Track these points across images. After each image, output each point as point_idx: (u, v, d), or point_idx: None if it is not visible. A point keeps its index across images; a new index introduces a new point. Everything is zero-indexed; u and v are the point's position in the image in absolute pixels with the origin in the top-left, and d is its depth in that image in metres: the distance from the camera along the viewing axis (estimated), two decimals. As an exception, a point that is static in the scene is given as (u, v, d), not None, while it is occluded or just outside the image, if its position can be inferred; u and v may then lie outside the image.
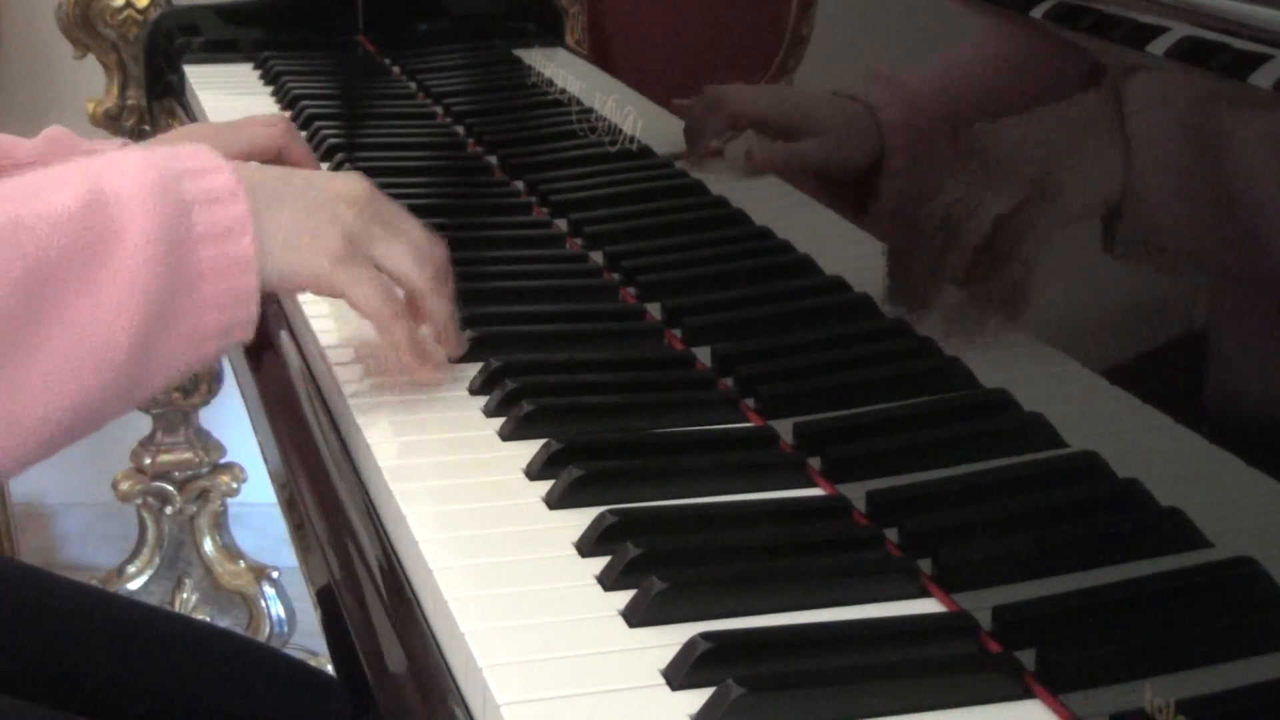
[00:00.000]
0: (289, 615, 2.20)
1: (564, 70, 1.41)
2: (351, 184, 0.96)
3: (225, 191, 0.87)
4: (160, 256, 0.83)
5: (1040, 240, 0.81)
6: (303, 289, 0.94)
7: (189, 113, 1.75)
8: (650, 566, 0.77)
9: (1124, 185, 0.75)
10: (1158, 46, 0.74)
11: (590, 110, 1.32)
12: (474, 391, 0.99)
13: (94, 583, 2.07)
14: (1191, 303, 0.71)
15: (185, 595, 2.20)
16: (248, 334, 0.89)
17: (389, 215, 0.97)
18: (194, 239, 0.85)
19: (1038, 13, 0.83)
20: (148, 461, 2.17)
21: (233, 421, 2.03)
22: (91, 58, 2.09)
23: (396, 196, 1.33)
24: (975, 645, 0.74)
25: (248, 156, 1.32)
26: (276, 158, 1.34)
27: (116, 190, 0.84)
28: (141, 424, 2.18)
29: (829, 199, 1.00)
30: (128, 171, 0.85)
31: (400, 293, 0.96)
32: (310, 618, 2.12)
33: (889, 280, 0.93)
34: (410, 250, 0.95)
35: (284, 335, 1.12)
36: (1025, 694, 0.70)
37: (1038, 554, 0.76)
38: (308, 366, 1.08)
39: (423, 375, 0.97)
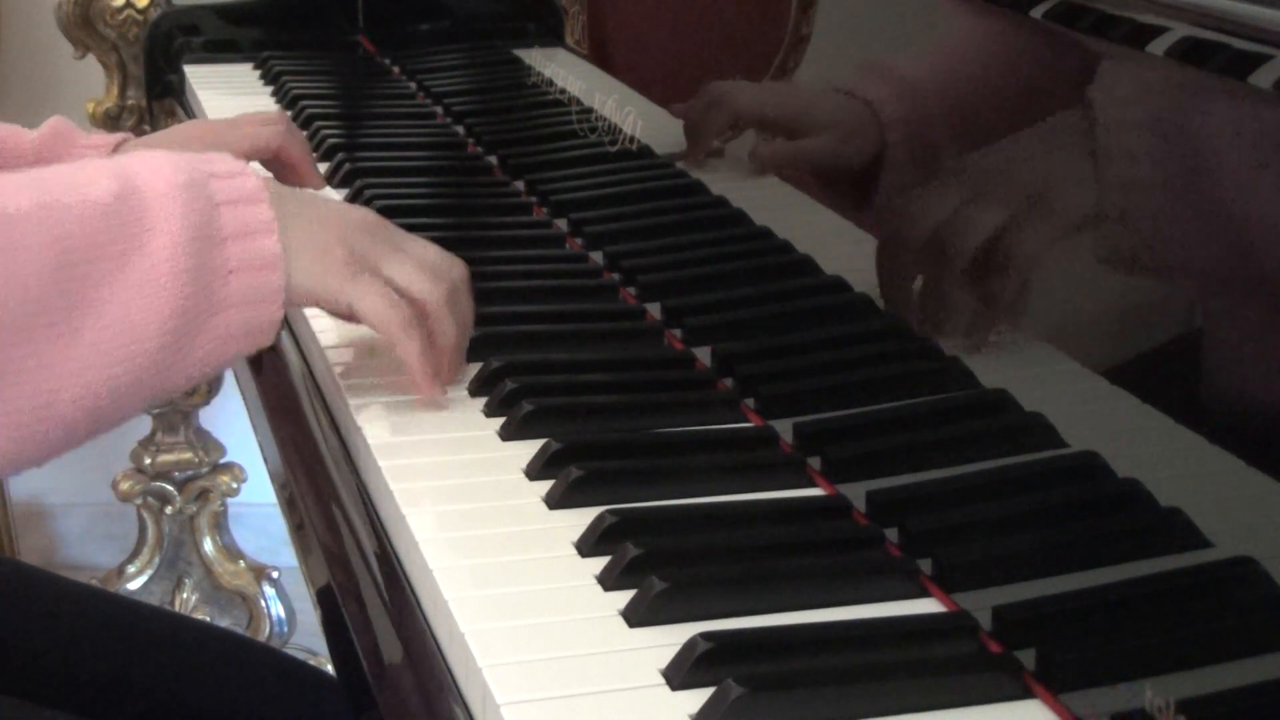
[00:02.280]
0: (289, 615, 2.20)
1: (564, 70, 1.41)
2: (361, 210, 0.98)
3: (252, 194, 0.88)
4: (190, 251, 0.84)
5: (1040, 240, 0.81)
6: (314, 302, 0.94)
7: (189, 113, 1.75)
8: (650, 566, 0.77)
9: (1123, 186, 0.75)
10: (1158, 46, 0.74)
11: (590, 110, 1.33)
12: (474, 391, 0.99)
13: (94, 583, 2.07)
14: (1191, 303, 0.72)
15: (185, 595, 2.20)
16: (271, 335, 0.89)
17: (400, 239, 0.97)
18: (222, 236, 0.86)
19: (1038, 12, 0.83)
20: (148, 461, 2.17)
21: (233, 421, 2.03)
22: (91, 58, 2.09)
23: (396, 196, 1.34)
24: (975, 645, 0.74)
25: (246, 155, 1.32)
26: (275, 155, 1.34)
27: (150, 185, 0.85)
28: (141, 424, 2.18)
29: (831, 196, 1.00)
30: (159, 169, 0.86)
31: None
32: (310, 618, 2.12)
33: (889, 279, 0.93)
34: (421, 267, 0.95)
35: (284, 336, 1.12)
36: (1025, 694, 0.70)
37: (1038, 554, 0.76)
38: (308, 366, 1.08)
39: (428, 393, 0.96)
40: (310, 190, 0.97)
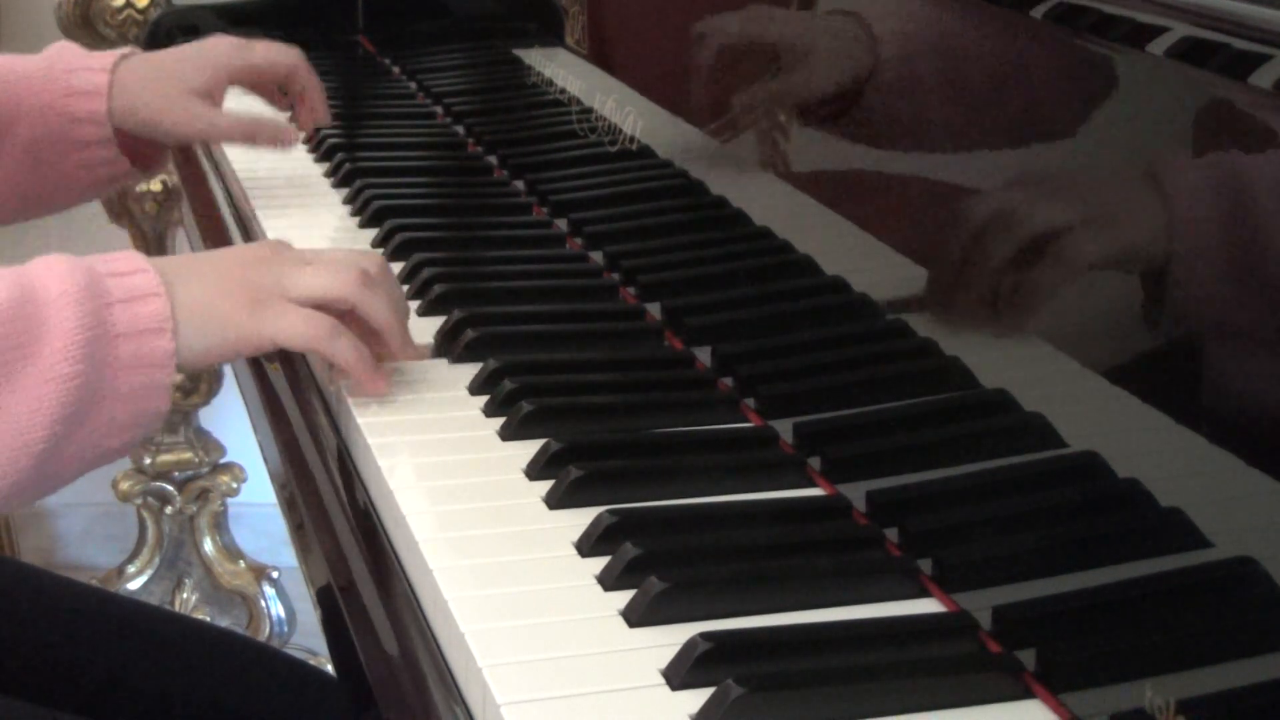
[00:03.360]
0: (289, 615, 2.20)
1: (564, 70, 1.41)
2: (257, 245, 0.98)
3: (147, 290, 0.89)
4: (81, 353, 0.85)
5: (1040, 241, 0.81)
6: (237, 354, 0.95)
7: (189, 113, 1.74)
8: (650, 566, 0.77)
9: (1124, 188, 0.75)
10: (1158, 46, 0.74)
11: (590, 110, 1.32)
12: (474, 391, 0.99)
13: (94, 583, 2.07)
14: (1191, 303, 0.71)
15: (185, 595, 2.20)
16: (154, 427, 0.90)
17: (300, 257, 0.97)
18: (115, 334, 0.87)
19: (1037, 12, 0.83)
20: (148, 461, 2.17)
21: (233, 421, 2.03)
22: (91, 58, 2.09)
23: (396, 196, 1.34)
24: (975, 645, 0.74)
25: (264, 68, 1.31)
26: (285, 78, 1.33)
27: (46, 288, 0.86)
28: (141, 424, 2.18)
29: (839, 205, 1.00)
30: (57, 272, 0.87)
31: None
32: (310, 618, 2.12)
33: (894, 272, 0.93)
34: (323, 270, 0.95)
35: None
36: (1025, 694, 0.71)
37: (1038, 554, 0.76)
38: (308, 366, 1.08)
39: (373, 390, 0.96)
40: (205, 252, 0.98)
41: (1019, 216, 0.82)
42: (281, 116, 1.38)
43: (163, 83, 1.26)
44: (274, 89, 1.39)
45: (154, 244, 2.16)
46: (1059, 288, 0.79)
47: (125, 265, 0.90)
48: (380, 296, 0.96)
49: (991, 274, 0.83)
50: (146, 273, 0.89)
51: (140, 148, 1.29)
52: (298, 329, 0.93)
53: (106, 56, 1.25)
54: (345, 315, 0.95)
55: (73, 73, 1.23)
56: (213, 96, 1.30)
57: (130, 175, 1.26)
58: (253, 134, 1.31)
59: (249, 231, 1.33)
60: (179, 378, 2.09)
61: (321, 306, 0.94)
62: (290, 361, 1.10)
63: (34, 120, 1.22)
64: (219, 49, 1.31)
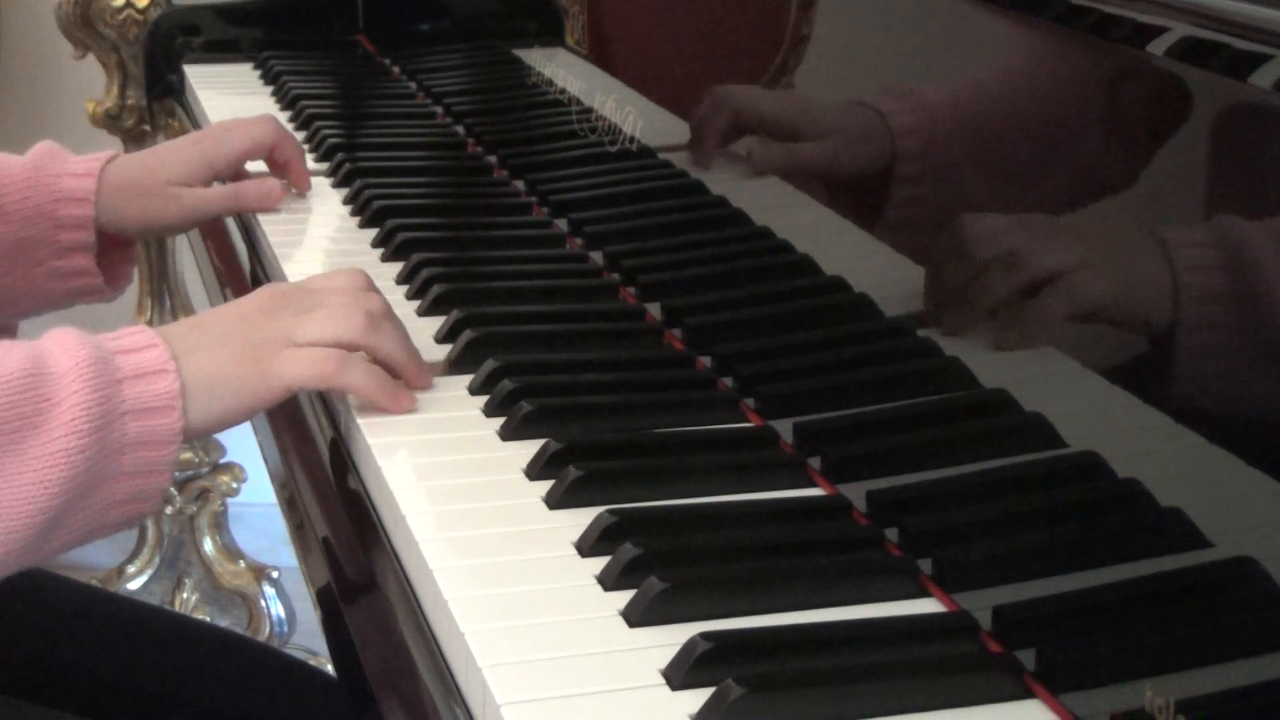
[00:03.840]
0: (289, 615, 2.20)
1: (564, 70, 1.41)
2: (255, 296, 0.98)
3: (156, 366, 0.89)
4: (89, 427, 0.85)
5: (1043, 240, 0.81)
6: (254, 413, 0.95)
7: (189, 113, 1.75)
8: (650, 566, 0.77)
9: (1126, 188, 0.75)
10: (1158, 46, 0.74)
11: (590, 110, 1.32)
12: (474, 391, 0.99)
13: (94, 583, 2.07)
14: (1191, 303, 0.71)
15: (185, 595, 2.20)
16: (153, 506, 0.90)
17: (305, 303, 0.96)
18: (122, 412, 0.87)
19: (1036, 12, 0.83)
20: (148, 461, 2.16)
21: (233, 421, 2.03)
22: (91, 58, 2.09)
23: (396, 196, 1.34)
24: (975, 645, 0.74)
25: (245, 154, 1.32)
26: (269, 156, 1.34)
27: (56, 361, 0.86)
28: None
29: (839, 205, 1.00)
30: (67, 346, 0.88)
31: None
32: (310, 618, 2.12)
33: (898, 285, 0.93)
34: (328, 317, 0.95)
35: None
36: (1025, 694, 0.71)
37: (1038, 554, 0.76)
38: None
39: (398, 408, 0.96)
40: (208, 312, 0.98)
41: (1021, 254, 0.82)
42: (265, 173, 1.37)
43: (145, 180, 1.27)
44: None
45: (154, 245, 2.16)
46: (1057, 320, 0.79)
47: (134, 342, 0.90)
48: (387, 335, 0.96)
49: (989, 303, 0.83)
50: (156, 348, 0.90)
51: (114, 253, 1.29)
52: (307, 371, 0.93)
53: (93, 161, 1.25)
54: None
55: (60, 178, 1.23)
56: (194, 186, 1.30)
57: (97, 292, 1.26)
58: (239, 200, 1.31)
59: (249, 231, 1.33)
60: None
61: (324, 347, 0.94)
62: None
63: (18, 222, 1.22)
64: (199, 144, 1.31)
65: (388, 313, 0.98)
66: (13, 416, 0.84)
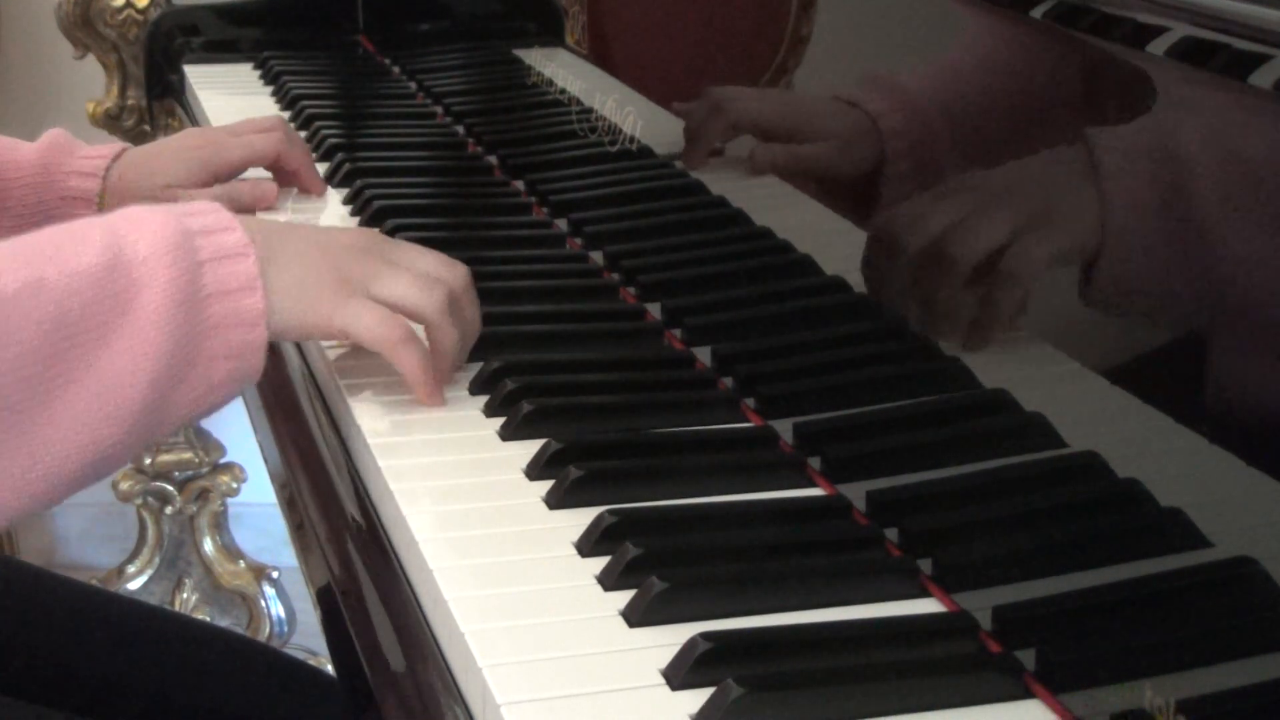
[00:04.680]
0: (289, 615, 2.20)
1: (564, 70, 1.41)
2: (353, 233, 0.99)
3: (236, 249, 0.89)
4: (175, 313, 0.85)
5: (1042, 254, 0.81)
6: (306, 335, 0.96)
7: (189, 113, 1.75)
8: (650, 566, 0.77)
9: (1123, 188, 0.75)
10: (1158, 46, 0.74)
11: (590, 110, 1.33)
12: (474, 391, 0.99)
13: (94, 583, 2.07)
14: (1191, 303, 0.71)
15: (185, 595, 2.20)
16: (255, 378, 0.91)
17: (395, 253, 0.97)
18: (206, 295, 0.87)
19: (1037, 13, 0.83)
20: (148, 461, 2.17)
21: (233, 421, 2.02)
22: (91, 58, 2.09)
23: (396, 196, 1.34)
24: (975, 645, 0.74)
25: (246, 163, 1.33)
26: (274, 162, 1.34)
27: (136, 248, 0.86)
28: (142, 424, 2.18)
29: (830, 202, 1.00)
30: (146, 230, 0.87)
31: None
32: (310, 618, 2.12)
33: (886, 281, 0.93)
34: (413, 280, 0.95)
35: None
36: (1025, 694, 0.70)
37: (1038, 554, 0.76)
38: (308, 366, 1.08)
39: (428, 403, 0.96)
40: (299, 223, 0.98)
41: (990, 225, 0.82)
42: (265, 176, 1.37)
43: (144, 184, 1.27)
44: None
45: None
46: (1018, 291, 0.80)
47: (216, 221, 0.90)
48: (453, 328, 0.97)
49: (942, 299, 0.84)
50: (235, 231, 0.90)
51: None
52: (373, 328, 0.93)
53: (100, 159, 1.26)
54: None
55: (67, 176, 1.24)
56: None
57: None
58: (235, 200, 1.32)
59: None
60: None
61: (398, 311, 0.95)
62: (289, 361, 1.10)
63: (21, 218, 1.23)
64: (200, 150, 1.32)
65: (469, 292, 0.98)
66: (98, 310, 0.84)
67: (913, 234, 0.89)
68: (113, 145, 1.29)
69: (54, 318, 0.82)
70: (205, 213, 0.91)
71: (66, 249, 0.85)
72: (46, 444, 0.82)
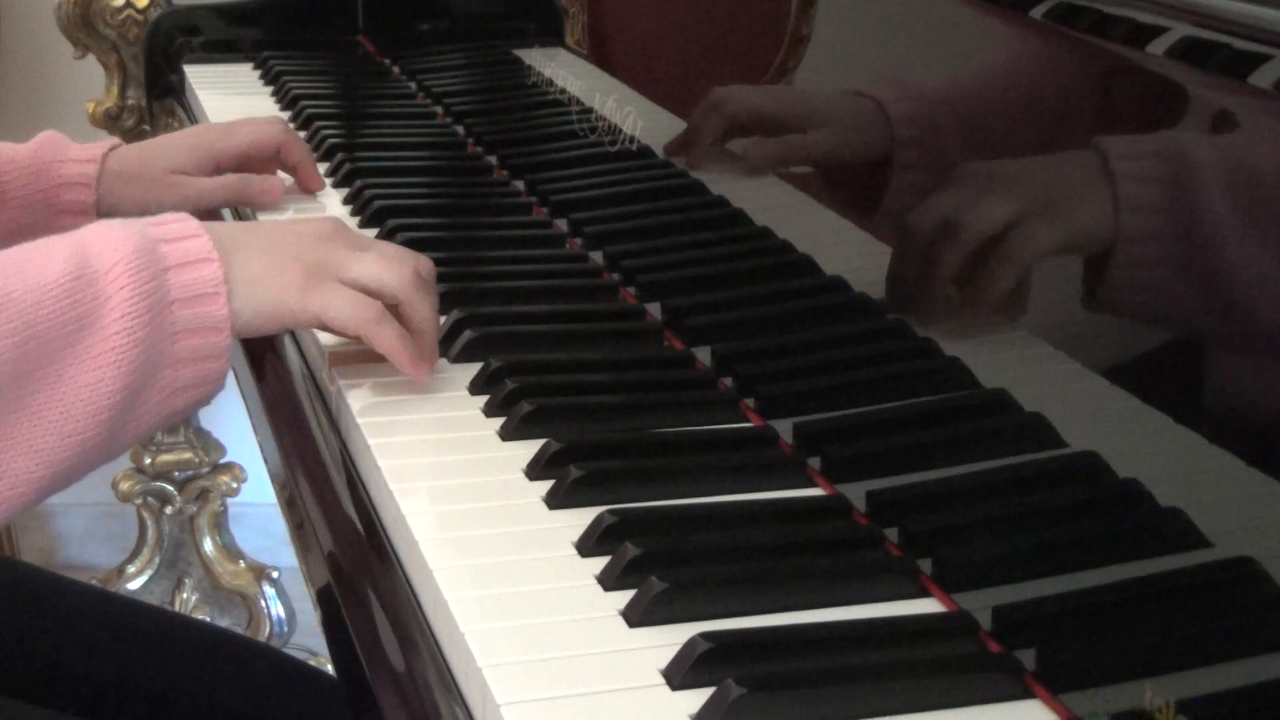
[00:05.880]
0: (289, 615, 2.20)
1: (564, 70, 1.41)
2: (316, 221, 0.99)
3: (200, 255, 0.90)
4: (140, 321, 0.86)
5: (1044, 247, 0.81)
6: (280, 327, 0.97)
7: (189, 113, 1.75)
8: (650, 566, 0.77)
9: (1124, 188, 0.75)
10: (1158, 46, 0.74)
11: (590, 110, 1.33)
12: (474, 391, 0.99)
13: (94, 583, 2.07)
14: (1191, 303, 0.71)
15: (185, 595, 2.20)
16: (218, 386, 0.92)
17: (357, 241, 0.99)
18: (170, 301, 0.88)
19: (1037, 12, 0.83)
20: (148, 461, 2.17)
21: (233, 421, 2.03)
22: (91, 58, 2.09)
23: (396, 196, 1.34)
24: (975, 645, 0.74)
25: (246, 155, 1.33)
26: (275, 155, 1.34)
27: (101, 259, 0.87)
28: (142, 424, 2.18)
29: (834, 194, 1.00)
30: (111, 241, 0.88)
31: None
32: (310, 618, 2.12)
33: (891, 279, 0.93)
34: (380, 261, 0.97)
35: (284, 336, 1.12)
36: (1025, 694, 0.70)
37: (1038, 554, 0.76)
38: (308, 367, 1.08)
39: (416, 375, 0.97)
40: (265, 222, 0.99)
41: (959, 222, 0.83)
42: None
43: (146, 167, 1.28)
44: (261, 165, 1.39)
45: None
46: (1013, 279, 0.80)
47: (179, 230, 0.91)
48: (426, 300, 0.98)
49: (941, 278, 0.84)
50: (199, 238, 0.91)
51: None
52: (345, 310, 0.94)
53: (95, 148, 1.27)
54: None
55: (62, 164, 1.24)
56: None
57: None
58: (238, 193, 1.32)
59: (249, 231, 1.33)
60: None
61: (369, 294, 0.96)
62: (289, 362, 1.10)
63: (18, 209, 1.23)
64: (204, 135, 1.32)
65: (433, 276, 0.99)
66: (64, 321, 0.85)
67: (922, 215, 0.88)
68: (104, 141, 1.30)
69: (23, 331, 0.83)
70: (170, 221, 0.92)
71: (33, 263, 0.86)
72: (12, 451, 0.83)
